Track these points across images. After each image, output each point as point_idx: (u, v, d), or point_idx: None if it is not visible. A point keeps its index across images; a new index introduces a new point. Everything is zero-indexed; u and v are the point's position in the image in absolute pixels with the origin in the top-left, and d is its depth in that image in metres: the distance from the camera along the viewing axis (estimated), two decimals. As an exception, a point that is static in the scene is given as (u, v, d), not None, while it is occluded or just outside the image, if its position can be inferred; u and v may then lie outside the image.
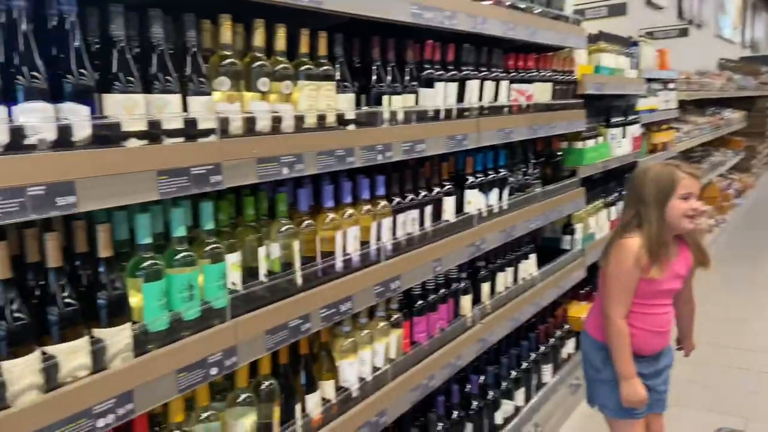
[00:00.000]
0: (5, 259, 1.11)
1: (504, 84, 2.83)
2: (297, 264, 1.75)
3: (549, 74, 3.26)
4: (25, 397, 1.10)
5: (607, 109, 4.32)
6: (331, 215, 1.89)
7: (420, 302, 2.35)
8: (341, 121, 1.88)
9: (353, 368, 1.98)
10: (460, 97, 2.54)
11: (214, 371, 1.43)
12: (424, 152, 2.23)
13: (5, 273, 1.11)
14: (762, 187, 10.65)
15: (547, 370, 3.17)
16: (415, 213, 2.28)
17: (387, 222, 2.12)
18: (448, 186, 2.50)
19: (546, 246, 3.83)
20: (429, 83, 2.33)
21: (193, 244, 1.48)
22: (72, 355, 1.18)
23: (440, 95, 2.38)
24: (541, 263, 3.35)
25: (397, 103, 2.15)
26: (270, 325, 1.59)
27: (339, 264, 1.91)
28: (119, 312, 1.27)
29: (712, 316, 4.74)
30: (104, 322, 1.25)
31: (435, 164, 2.50)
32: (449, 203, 2.49)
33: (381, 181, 2.12)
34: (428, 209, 2.36)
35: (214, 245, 1.49)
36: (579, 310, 3.97)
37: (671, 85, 5.52)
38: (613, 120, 4.28)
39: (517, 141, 3.06)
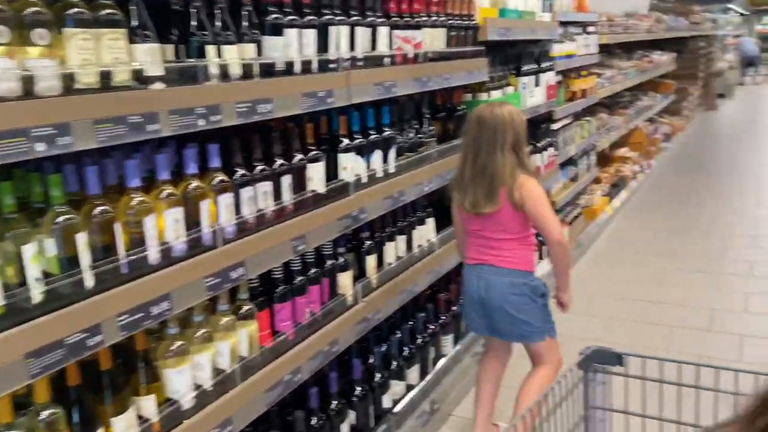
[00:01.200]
0: None
1: (383, 31, 2.48)
2: (84, 262, 1.41)
3: (442, 19, 2.92)
4: None
5: (519, 56, 4.04)
6: (138, 197, 1.54)
7: (282, 287, 2.06)
8: (141, 78, 1.51)
9: (184, 376, 1.68)
10: (325, 47, 2.20)
11: (-66, 418, 1.10)
12: (272, 113, 1.89)
13: None
14: (692, 130, 10.75)
15: (447, 341, 2.96)
16: (267, 186, 1.95)
17: (225, 199, 1.79)
18: (314, 151, 2.18)
19: (455, 206, 3.60)
20: (276, 30, 1.96)
21: None
22: None
23: (294, 44, 2.02)
24: (447, 226, 3.11)
25: (230, 55, 1.79)
26: (33, 345, 1.26)
27: (154, 256, 1.58)
28: None
29: (628, 265, 4.67)
30: None
31: (301, 126, 2.17)
32: (316, 171, 2.17)
33: (214, 150, 1.77)
34: (286, 180, 2.03)
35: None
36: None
37: (591, 29, 5.28)
38: (525, 68, 4.00)
39: (406, 96, 2.75)
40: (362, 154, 2.41)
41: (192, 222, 1.70)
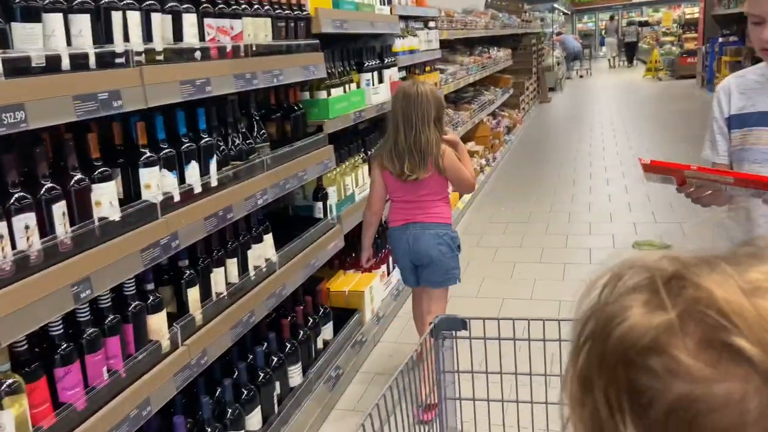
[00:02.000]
0: None
1: (190, 18, 2.08)
2: None
3: (267, 8, 2.57)
4: None
5: (360, 51, 3.81)
6: None
7: (62, 347, 1.60)
8: None
9: None
10: (111, 38, 1.75)
11: None
12: (26, 123, 1.43)
13: None
14: (529, 121, 11.40)
15: (295, 371, 2.64)
16: (28, 218, 1.48)
17: (-43, 243, 1.31)
18: (102, 168, 1.73)
19: (302, 216, 3.27)
20: (30, 15, 1.50)
21: None
22: None
23: (59, 34, 1.57)
24: (292, 239, 2.78)
25: (-48, 47, 1.30)
26: None
27: None
28: None
29: (481, 262, 4.67)
30: None
31: (81, 138, 1.71)
32: (104, 192, 1.73)
33: (-67, 178, 1.28)
34: (58, 208, 1.57)
35: None
36: (345, 282, 3.52)
37: (432, 24, 5.22)
38: (367, 63, 3.78)
39: (228, 96, 2.37)
40: (171, 168, 2.00)
41: None
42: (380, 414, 1.26)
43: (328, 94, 3.19)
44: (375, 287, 3.56)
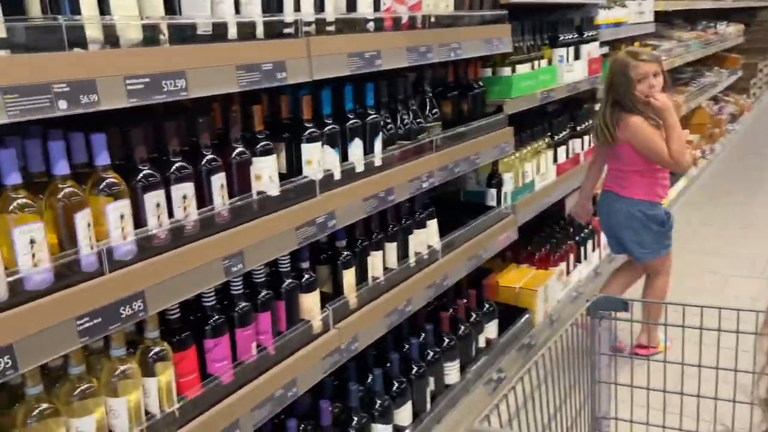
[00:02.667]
0: None
1: (365, -14, 1.96)
2: None
3: (450, -26, 2.37)
4: None
5: (555, 24, 3.42)
6: (-37, 212, 1.11)
7: (214, 318, 1.60)
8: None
9: (52, 448, 1.24)
10: (281, 6, 1.70)
11: None
12: (186, 92, 1.41)
13: None
14: (761, 110, 9.71)
15: (452, 368, 2.45)
16: (186, 188, 1.48)
17: (118, 208, 1.33)
18: (264, 142, 1.70)
19: (473, 203, 3.05)
20: (198, -19, 1.48)
21: None
22: None
23: (227, 1, 1.54)
24: (459, 227, 2.59)
25: (123, 12, 1.32)
26: None
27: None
28: None
29: (676, 273, 4.01)
30: None
31: (247, 109, 1.69)
32: (264, 167, 1.69)
33: (99, 141, 1.31)
34: (218, 179, 1.56)
35: None
36: (516, 278, 3.23)
37: (645, -7, 4.56)
38: (562, 38, 3.39)
39: (404, 70, 2.23)
40: (334, 144, 1.91)
41: (67, 240, 1.26)
42: (532, 383, 1.23)
43: (513, 70, 2.90)
44: (551, 286, 3.21)
